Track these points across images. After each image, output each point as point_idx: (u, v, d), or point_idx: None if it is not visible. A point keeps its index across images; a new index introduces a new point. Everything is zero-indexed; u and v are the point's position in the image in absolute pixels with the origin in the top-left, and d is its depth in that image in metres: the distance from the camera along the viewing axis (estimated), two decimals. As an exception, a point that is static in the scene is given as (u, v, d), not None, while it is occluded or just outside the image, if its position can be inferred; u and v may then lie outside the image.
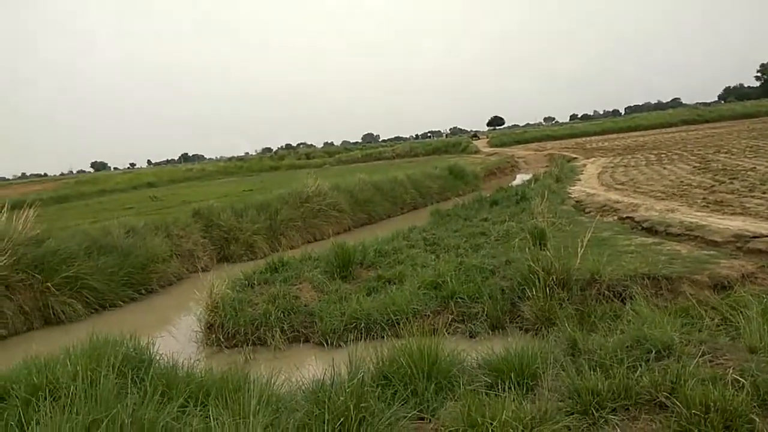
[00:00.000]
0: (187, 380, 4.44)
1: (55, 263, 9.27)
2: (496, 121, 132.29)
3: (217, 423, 3.21)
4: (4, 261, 8.66)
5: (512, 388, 3.88)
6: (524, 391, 4.01)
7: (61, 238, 10.24)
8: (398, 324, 6.40)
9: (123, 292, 10.00)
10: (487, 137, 72.77)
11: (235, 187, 24.44)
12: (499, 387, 3.90)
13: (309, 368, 5.56)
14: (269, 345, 6.77)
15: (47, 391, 3.84)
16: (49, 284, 9.06)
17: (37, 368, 4.35)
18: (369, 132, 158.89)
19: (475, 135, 79.12)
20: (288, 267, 8.76)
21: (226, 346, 6.97)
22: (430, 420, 3.95)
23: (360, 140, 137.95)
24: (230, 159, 74.52)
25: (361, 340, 6.41)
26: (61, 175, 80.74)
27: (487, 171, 29.60)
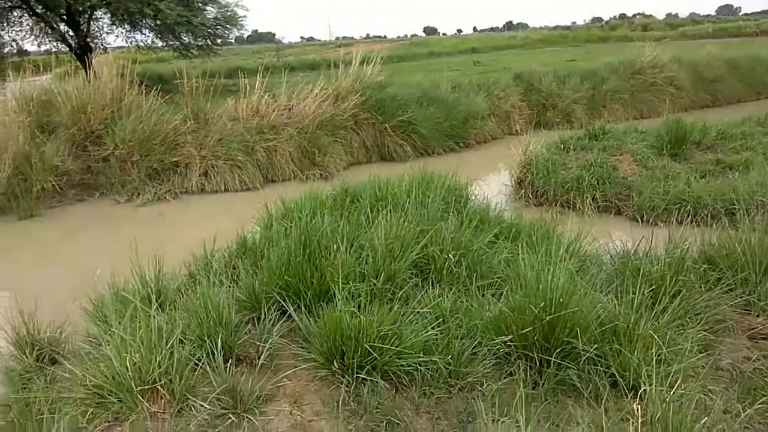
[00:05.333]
0: (498, 220, 4.72)
1: (393, 108, 10.51)
2: None
3: (526, 259, 3.35)
4: (356, 100, 10.20)
5: None
6: None
7: (398, 86, 11.45)
8: (734, 214, 5.53)
9: (444, 142, 10.89)
10: None
11: (557, 57, 23.24)
12: None
13: (618, 236, 5.31)
14: (577, 210, 6.67)
15: (387, 200, 4.55)
16: (386, 125, 10.43)
17: (380, 185, 5.15)
18: (726, 4, 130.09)
19: None
20: (609, 137, 8.22)
21: (533, 204, 7.14)
22: (758, 315, 3.46)
23: (713, 13, 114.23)
24: (555, 28, 70.49)
25: (684, 223, 5.78)
26: (397, 37, 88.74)
27: None
